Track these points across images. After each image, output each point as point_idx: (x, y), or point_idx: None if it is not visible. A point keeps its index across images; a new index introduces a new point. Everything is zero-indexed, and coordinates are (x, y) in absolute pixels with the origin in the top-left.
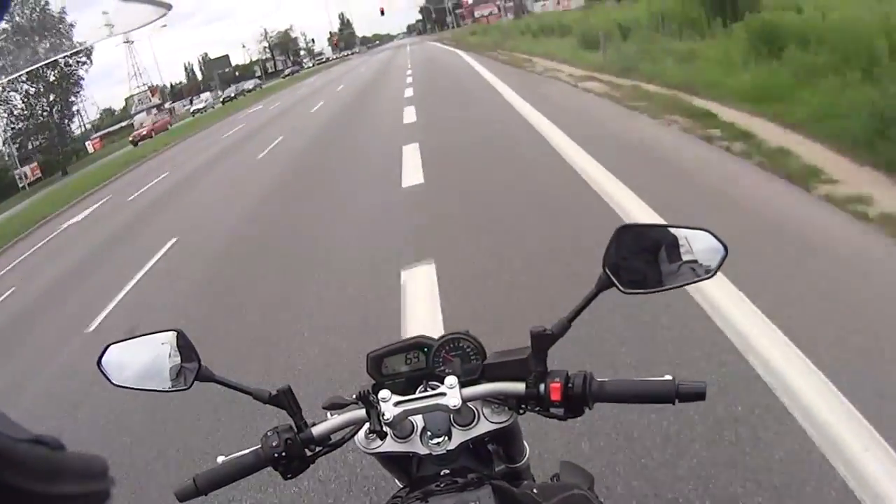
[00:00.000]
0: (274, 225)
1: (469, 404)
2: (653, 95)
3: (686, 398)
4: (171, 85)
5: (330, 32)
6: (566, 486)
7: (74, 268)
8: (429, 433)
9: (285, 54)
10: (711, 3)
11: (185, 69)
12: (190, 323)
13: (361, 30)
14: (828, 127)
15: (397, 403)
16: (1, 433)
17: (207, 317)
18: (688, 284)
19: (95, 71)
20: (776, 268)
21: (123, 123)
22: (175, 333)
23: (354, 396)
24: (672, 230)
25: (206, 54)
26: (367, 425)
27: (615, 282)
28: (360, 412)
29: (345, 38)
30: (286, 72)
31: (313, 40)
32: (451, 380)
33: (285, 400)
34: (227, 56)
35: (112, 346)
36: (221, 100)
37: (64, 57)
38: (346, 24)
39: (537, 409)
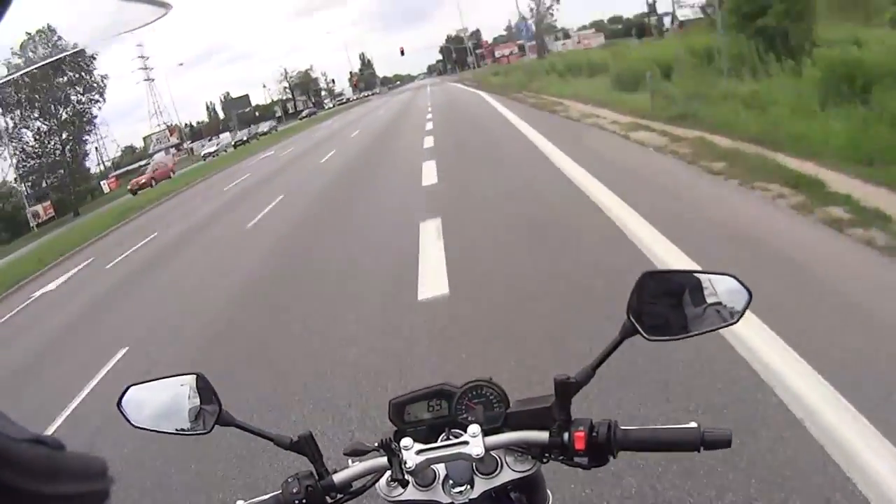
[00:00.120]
0: (242, 349)
1: (492, 453)
2: (729, 153)
3: (711, 446)
4: (191, 124)
5: (350, 73)
6: None
7: (18, 366)
8: (451, 482)
9: (306, 94)
10: (762, 37)
11: (207, 108)
12: None
13: (382, 70)
14: None
15: (419, 451)
16: (1, 433)
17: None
18: (713, 331)
19: (118, 108)
20: None
21: (142, 162)
22: (195, 376)
23: (376, 444)
24: (696, 275)
25: (227, 93)
26: (388, 473)
27: (639, 329)
28: (382, 460)
29: (365, 79)
30: (304, 113)
31: (333, 80)
32: (473, 428)
33: (306, 446)
34: (246, 96)
35: (132, 388)
36: (233, 143)
37: (77, 94)
38: (366, 64)
39: (561, 458)
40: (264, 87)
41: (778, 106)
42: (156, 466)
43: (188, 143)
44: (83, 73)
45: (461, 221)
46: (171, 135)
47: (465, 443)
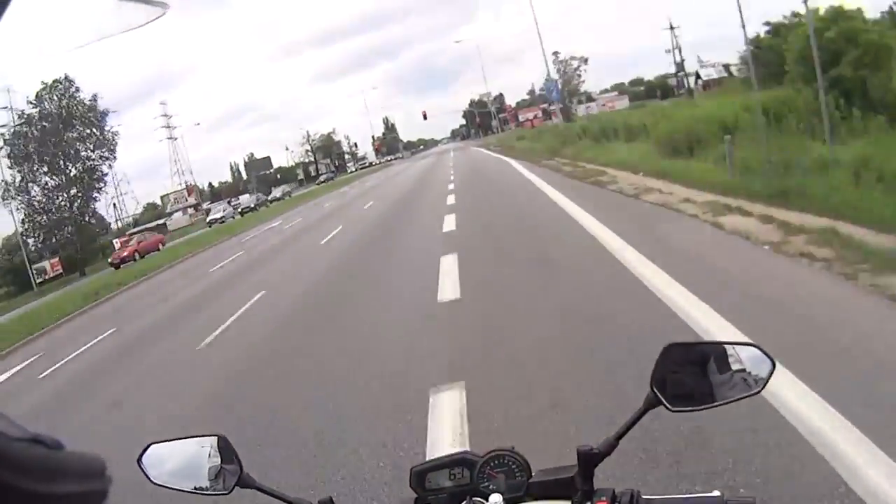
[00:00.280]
0: None
1: None
2: None
3: None
4: (211, 185)
5: (373, 137)
6: None
7: None
8: None
9: (328, 157)
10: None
11: (231, 169)
12: None
13: (405, 134)
14: None
15: None
16: None
17: None
18: (737, 400)
19: (144, 165)
20: None
21: (160, 221)
22: (217, 438)
23: None
24: (719, 345)
25: (251, 154)
26: None
27: (662, 400)
28: None
29: (388, 143)
30: (322, 178)
31: (356, 144)
32: (495, 497)
33: None
34: (268, 158)
35: (153, 445)
36: (240, 210)
37: (87, 150)
38: (389, 128)
39: None
40: (287, 149)
41: None
42: None
43: (208, 203)
44: (94, 129)
45: (496, 402)
46: (188, 195)
47: None
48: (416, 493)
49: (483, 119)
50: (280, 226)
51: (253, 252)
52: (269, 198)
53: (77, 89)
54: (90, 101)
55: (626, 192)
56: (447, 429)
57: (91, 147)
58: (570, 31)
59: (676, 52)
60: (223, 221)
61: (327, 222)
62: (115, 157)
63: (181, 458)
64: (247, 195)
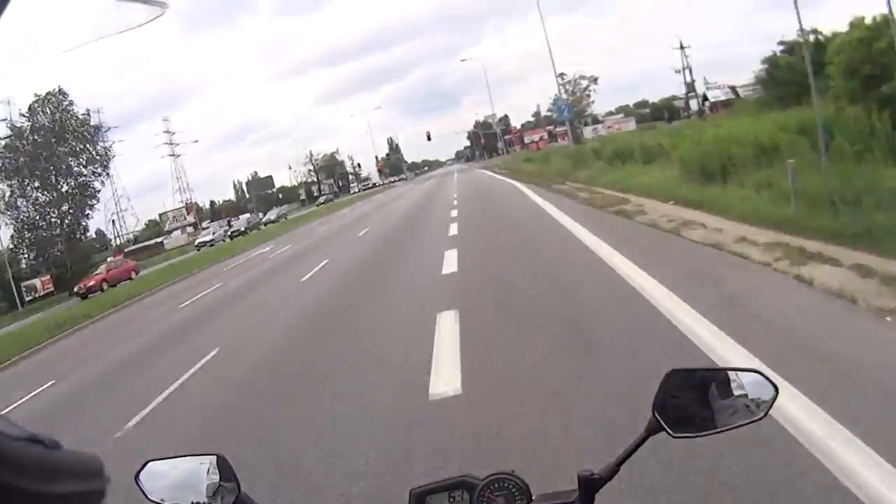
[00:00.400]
0: None
1: None
2: None
3: None
4: (212, 203)
5: (377, 157)
6: None
7: None
8: None
9: (331, 178)
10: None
11: (235, 187)
12: None
13: (410, 155)
14: None
15: None
16: None
17: None
18: (739, 426)
19: (148, 182)
20: None
21: (160, 239)
22: (216, 457)
23: None
24: (722, 371)
25: (255, 173)
26: None
27: (664, 426)
28: None
29: (391, 164)
30: (321, 199)
31: (359, 164)
32: None
33: None
34: (270, 177)
35: (151, 462)
36: (230, 234)
37: (79, 165)
38: (394, 148)
39: None
40: (290, 168)
41: None
42: None
43: (207, 222)
44: (87, 144)
45: None
46: (187, 213)
47: None
48: None
49: (488, 140)
50: (267, 253)
51: (228, 286)
52: (264, 220)
53: (71, 102)
54: (84, 115)
55: (660, 225)
56: None
57: (83, 162)
58: (571, 55)
59: (687, 72)
60: (213, 244)
61: (315, 253)
62: (108, 174)
63: (179, 476)
64: (247, 214)
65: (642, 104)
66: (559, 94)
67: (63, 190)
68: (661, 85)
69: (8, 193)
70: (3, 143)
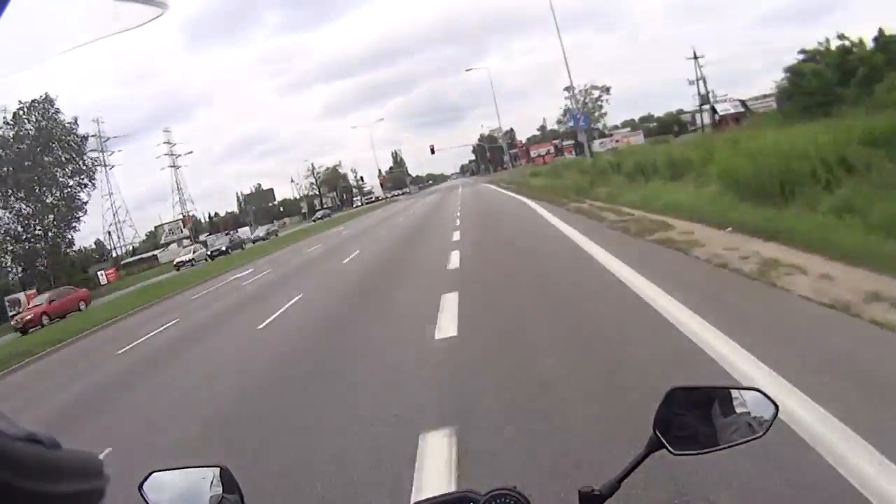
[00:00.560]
0: None
1: None
2: None
3: None
4: (211, 216)
5: (379, 171)
6: None
7: None
8: None
9: (334, 191)
10: None
11: (238, 199)
12: None
13: (414, 168)
14: None
15: None
16: None
17: None
18: (740, 444)
19: (151, 193)
20: None
21: (152, 253)
22: (219, 469)
23: None
24: (723, 389)
25: (259, 185)
26: None
27: (665, 444)
28: None
29: (394, 177)
30: (318, 214)
31: (362, 178)
32: None
33: None
34: (271, 190)
35: (155, 473)
36: (210, 253)
37: (65, 176)
38: (398, 162)
39: None
40: (292, 181)
41: None
42: None
43: (205, 235)
44: (73, 154)
45: None
46: (184, 225)
47: None
48: None
49: (494, 154)
50: (242, 279)
51: (179, 326)
52: (252, 237)
53: (57, 110)
54: (70, 123)
55: (734, 265)
56: None
57: (69, 173)
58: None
59: (701, 83)
60: (193, 264)
61: (291, 283)
62: (94, 185)
63: (182, 487)
64: (247, 228)
65: (647, 119)
66: (574, 100)
67: (48, 201)
68: (665, 100)
69: None
70: None
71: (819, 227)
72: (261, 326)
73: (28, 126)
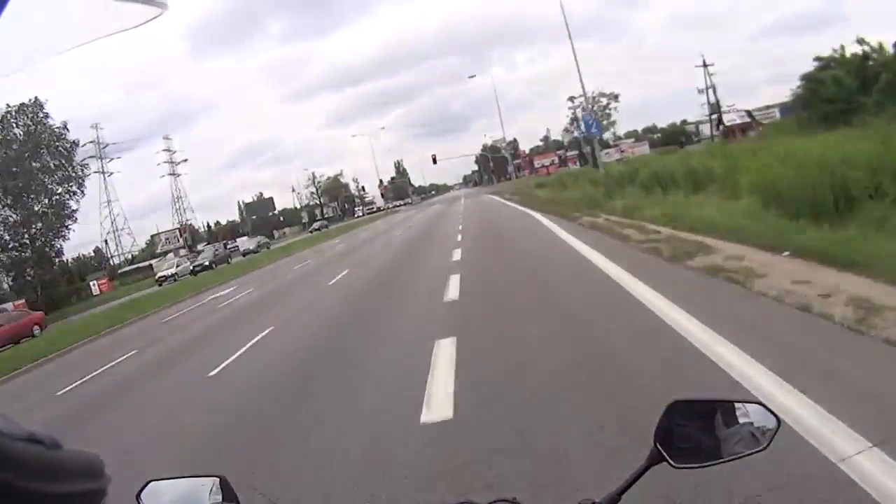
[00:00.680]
0: None
1: None
2: None
3: None
4: (209, 225)
5: (380, 181)
6: None
7: None
8: None
9: (335, 201)
10: None
11: (239, 208)
12: None
13: (417, 178)
14: None
15: None
16: None
17: None
18: (742, 457)
19: (153, 201)
20: None
21: (153, 261)
22: (218, 479)
23: None
24: (724, 402)
25: (260, 194)
26: None
27: (665, 456)
28: None
29: (398, 187)
30: (315, 225)
31: (363, 188)
32: None
33: None
34: (271, 199)
35: (153, 482)
36: (192, 268)
37: (53, 183)
38: (401, 172)
39: None
40: (293, 190)
41: None
42: None
43: (203, 244)
44: (63, 160)
45: None
46: (181, 235)
47: None
48: None
49: (497, 164)
50: (219, 300)
51: (132, 363)
52: (242, 250)
53: (46, 115)
54: (59, 128)
55: (817, 308)
56: None
57: (58, 180)
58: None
59: (711, 91)
60: (176, 279)
61: (265, 311)
62: (83, 192)
63: (180, 497)
64: (245, 237)
65: (651, 129)
66: (585, 106)
67: (35, 209)
68: (668, 111)
69: None
70: None
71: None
72: (212, 373)
73: (16, 130)
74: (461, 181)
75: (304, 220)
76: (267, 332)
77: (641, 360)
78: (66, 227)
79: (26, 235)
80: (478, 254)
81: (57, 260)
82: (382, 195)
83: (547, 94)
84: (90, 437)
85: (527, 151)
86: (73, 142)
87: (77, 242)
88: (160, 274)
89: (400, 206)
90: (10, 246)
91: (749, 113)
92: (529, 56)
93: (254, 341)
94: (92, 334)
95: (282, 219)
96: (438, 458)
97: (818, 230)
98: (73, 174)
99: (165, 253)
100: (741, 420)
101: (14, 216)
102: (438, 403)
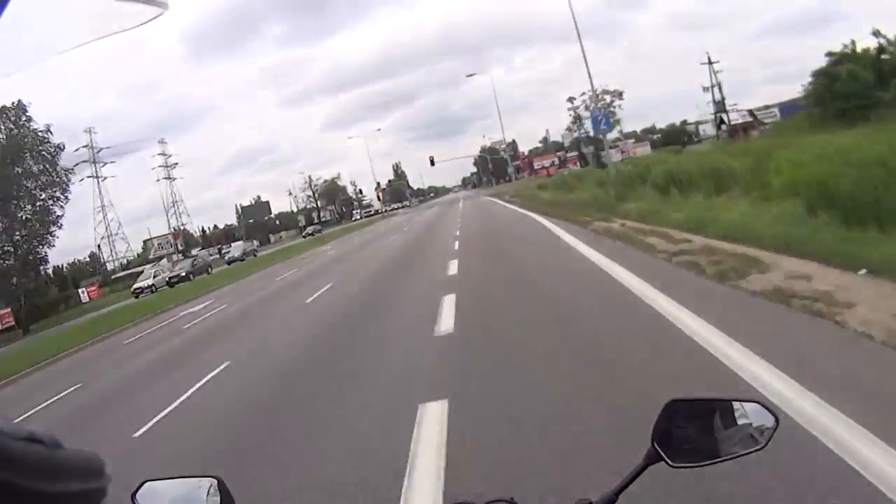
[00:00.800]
0: None
1: None
2: None
3: None
4: (203, 230)
5: (378, 183)
6: None
7: None
8: None
9: (333, 203)
10: None
11: (237, 211)
12: None
13: (416, 181)
14: None
15: None
16: None
17: None
18: (740, 456)
19: (149, 206)
20: None
21: (140, 268)
22: (214, 479)
23: None
24: (722, 401)
25: (258, 197)
26: None
27: (663, 456)
28: None
29: (395, 190)
30: (308, 230)
31: (361, 191)
32: None
33: None
34: (267, 203)
35: (148, 483)
36: (168, 280)
37: (37, 189)
38: (399, 174)
39: None
40: (290, 193)
41: None
42: None
43: (198, 249)
44: (46, 165)
45: None
46: (174, 240)
47: None
48: None
49: (496, 166)
50: (188, 318)
51: (70, 401)
52: (227, 258)
53: (29, 118)
54: (42, 132)
55: None
56: None
57: (42, 185)
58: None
59: (716, 89)
60: (153, 290)
61: (228, 337)
62: (67, 198)
63: (176, 497)
64: (240, 242)
65: (651, 130)
66: (592, 101)
67: (19, 215)
68: (667, 111)
69: None
70: None
71: None
72: (137, 434)
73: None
74: (460, 183)
75: (301, 224)
76: (220, 369)
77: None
78: (51, 233)
79: (9, 243)
80: (477, 267)
81: (42, 267)
82: (379, 198)
83: (545, 95)
84: None
85: (526, 153)
86: (58, 146)
87: (77, 246)
88: (136, 286)
89: (397, 208)
90: None
91: (751, 112)
92: (527, 58)
93: (200, 384)
94: (52, 355)
95: (278, 222)
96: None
97: (889, 240)
98: (58, 179)
99: (160, 258)
100: (739, 419)
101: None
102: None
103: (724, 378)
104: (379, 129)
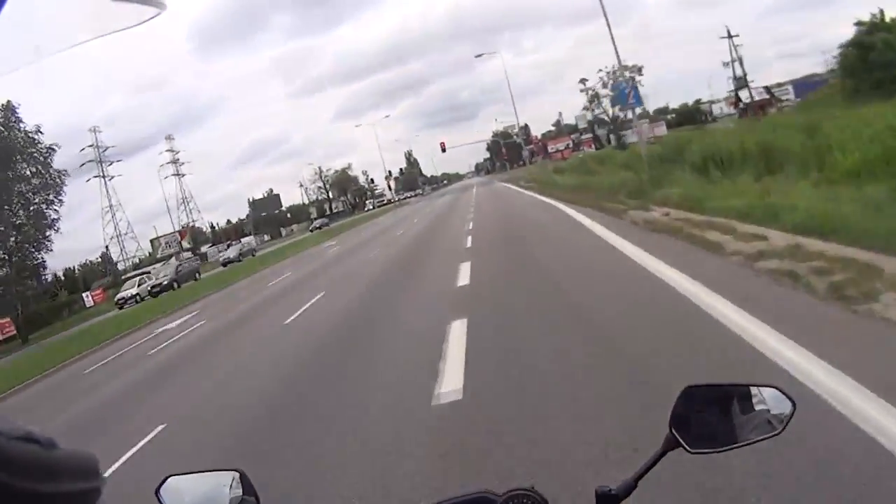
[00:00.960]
0: None
1: None
2: None
3: None
4: (213, 226)
5: (389, 172)
6: None
7: None
8: None
9: (344, 194)
10: None
11: (249, 205)
12: None
13: (429, 168)
14: None
15: None
16: None
17: None
18: (758, 441)
19: (161, 204)
20: None
21: (152, 266)
22: (237, 473)
23: None
24: (739, 386)
25: (270, 190)
26: None
27: (681, 442)
28: None
29: (408, 178)
30: (316, 223)
31: (372, 180)
32: None
33: None
34: (277, 195)
35: (171, 478)
36: (149, 289)
37: (30, 192)
38: (412, 162)
39: None
40: (301, 185)
41: None
42: None
43: (207, 246)
44: (39, 167)
45: None
46: (181, 238)
47: None
48: None
49: (510, 151)
50: (159, 338)
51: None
52: (222, 260)
53: (18, 119)
54: (32, 133)
55: None
56: None
57: (34, 188)
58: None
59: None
60: (139, 300)
61: (191, 367)
62: (61, 201)
63: (200, 492)
64: (251, 237)
65: (664, 110)
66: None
67: (12, 220)
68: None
69: None
70: None
71: None
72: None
73: None
74: (473, 169)
75: (312, 216)
76: (155, 433)
77: None
78: (47, 238)
79: (2, 250)
80: (493, 274)
81: (41, 272)
82: (390, 187)
83: (556, 78)
84: None
85: (539, 136)
86: (50, 146)
87: (90, 247)
88: (119, 295)
89: (410, 197)
90: None
91: (768, 89)
92: (537, 41)
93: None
94: (5, 389)
95: (289, 215)
96: None
97: None
98: (51, 181)
99: (168, 257)
100: (757, 405)
101: None
102: None
103: None
104: (387, 116)
